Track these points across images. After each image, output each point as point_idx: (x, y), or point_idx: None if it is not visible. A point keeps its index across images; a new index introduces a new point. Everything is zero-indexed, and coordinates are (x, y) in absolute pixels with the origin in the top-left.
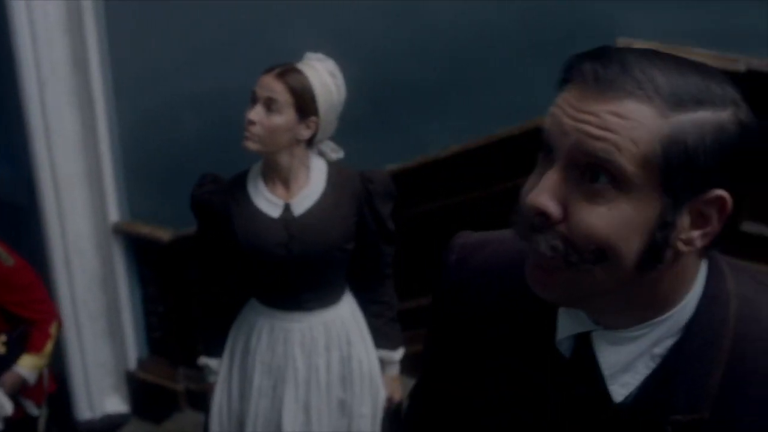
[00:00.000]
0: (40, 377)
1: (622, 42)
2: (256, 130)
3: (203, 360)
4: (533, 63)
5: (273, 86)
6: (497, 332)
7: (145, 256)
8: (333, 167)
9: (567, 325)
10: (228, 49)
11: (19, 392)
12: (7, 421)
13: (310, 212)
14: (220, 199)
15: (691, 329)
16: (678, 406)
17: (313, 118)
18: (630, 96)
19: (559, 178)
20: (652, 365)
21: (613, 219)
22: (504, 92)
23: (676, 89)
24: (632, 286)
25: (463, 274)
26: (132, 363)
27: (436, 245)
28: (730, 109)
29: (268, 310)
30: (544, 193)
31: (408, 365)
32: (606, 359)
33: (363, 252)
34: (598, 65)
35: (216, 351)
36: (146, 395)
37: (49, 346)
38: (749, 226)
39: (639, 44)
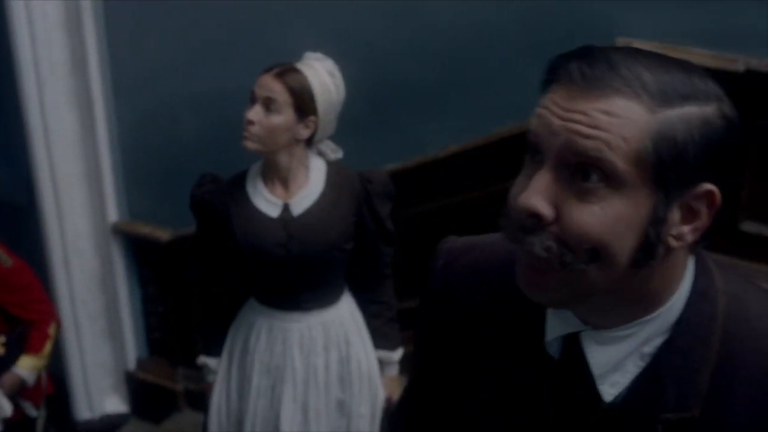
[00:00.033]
0: (39, 378)
1: (621, 42)
2: (255, 129)
3: (202, 359)
4: (532, 63)
5: (272, 86)
6: (486, 335)
7: (144, 256)
8: (332, 167)
9: (555, 326)
10: (227, 49)
11: (17, 393)
12: (6, 422)
13: (309, 212)
14: (219, 199)
15: (679, 327)
16: (668, 405)
17: (312, 118)
18: (618, 93)
19: (550, 178)
20: (642, 364)
21: (607, 217)
22: (503, 92)
23: (662, 85)
24: (624, 285)
25: (449, 279)
26: (131, 363)
27: (435, 245)
28: (714, 103)
29: (267, 310)
30: (535, 194)
31: (407, 365)
32: (595, 359)
33: (362, 252)
34: (585, 64)
35: (215, 350)
36: (145, 395)
37: (48, 347)
38: (749, 226)
39: (638, 44)
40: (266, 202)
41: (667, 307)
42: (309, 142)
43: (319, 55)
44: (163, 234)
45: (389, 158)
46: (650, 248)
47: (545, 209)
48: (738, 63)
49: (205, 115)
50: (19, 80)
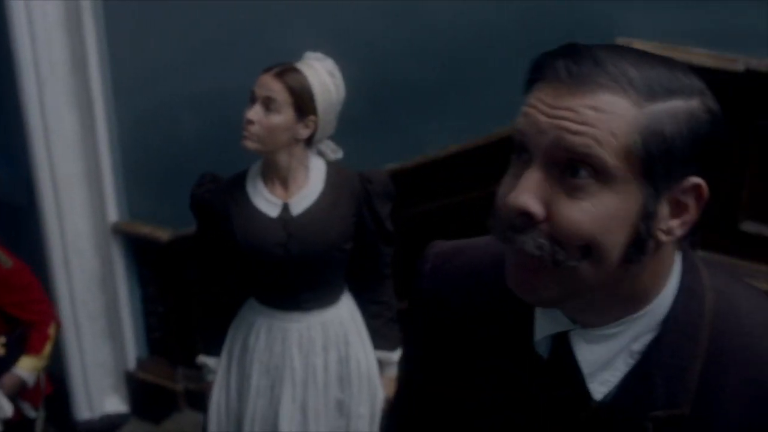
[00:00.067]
0: (38, 379)
1: (621, 42)
2: (254, 129)
3: (202, 359)
4: None
5: (272, 86)
6: (476, 336)
7: (144, 256)
8: (332, 167)
9: (544, 325)
10: (227, 49)
11: (17, 394)
12: (5, 423)
13: (309, 212)
14: (219, 199)
15: (668, 324)
16: (658, 402)
17: (311, 118)
18: (605, 89)
19: (539, 176)
20: (631, 362)
21: (597, 213)
22: (503, 92)
23: (648, 81)
24: (615, 281)
25: (438, 282)
26: (131, 363)
27: None
28: (698, 97)
29: (267, 310)
30: (525, 192)
31: None
32: (584, 358)
33: (362, 252)
34: (571, 62)
35: (215, 350)
36: (145, 395)
37: (48, 348)
38: (748, 226)
39: (638, 44)
40: (266, 201)
41: (655, 304)
42: (309, 142)
43: (319, 54)
44: (163, 234)
45: (389, 158)
46: (641, 243)
47: (535, 207)
48: (738, 63)
49: (205, 115)
50: (19, 80)
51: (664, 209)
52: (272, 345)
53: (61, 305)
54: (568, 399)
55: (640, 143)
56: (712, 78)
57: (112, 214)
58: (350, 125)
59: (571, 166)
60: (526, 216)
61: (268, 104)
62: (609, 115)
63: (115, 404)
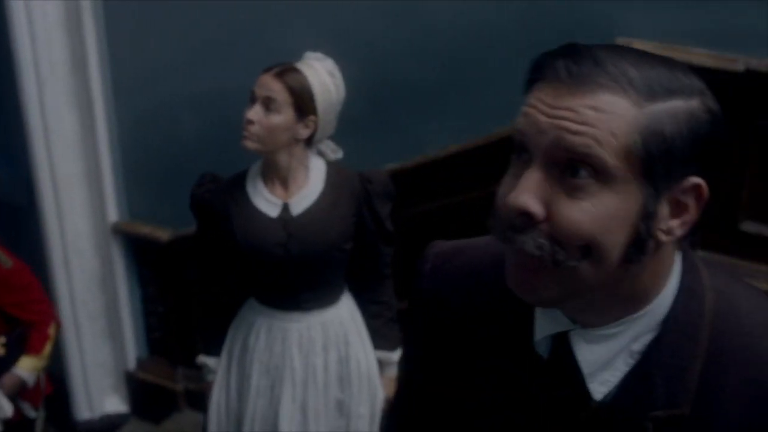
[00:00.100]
0: (37, 379)
1: (621, 42)
2: (254, 129)
3: (202, 359)
4: None
5: (271, 86)
6: (476, 337)
7: (144, 256)
8: (332, 167)
9: (544, 325)
10: (227, 49)
11: (17, 394)
12: (5, 423)
13: (309, 212)
14: (219, 199)
15: (668, 324)
16: (658, 402)
17: (311, 118)
18: (605, 89)
19: (539, 176)
20: (631, 362)
21: (598, 213)
22: (503, 92)
23: (648, 81)
24: (615, 281)
25: (438, 282)
26: (131, 363)
27: None
28: (698, 97)
29: (267, 310)
30: (525, 192)
31: None
32: (584, 358)
33: (362, 252)
34: (571, 62)
35: (215, 350)
36: (145, 395)
37: (48, 348)
38: (749, 226)
39: (638, 44)
40: (266, 201)
41: (656, 304)
42: (309, 142)
43: (319, 54)
44: (163, 234)
45: (389, 158)
46: (641, 243)
47: (536, 207)
48: (738, 63)
49: (205, 115)
50: (19, 80)
51: (664, 209)
52: (272, 345)
53: (61, 305)
54: (568, 399)
55: (640, 143)
56: (712, 78)
57: (112, 214)
58: (350, 125)
59: (571, 166)
60: (526, 216)
61: (268, 104)
62: (609, 115)
63: (115, 404)
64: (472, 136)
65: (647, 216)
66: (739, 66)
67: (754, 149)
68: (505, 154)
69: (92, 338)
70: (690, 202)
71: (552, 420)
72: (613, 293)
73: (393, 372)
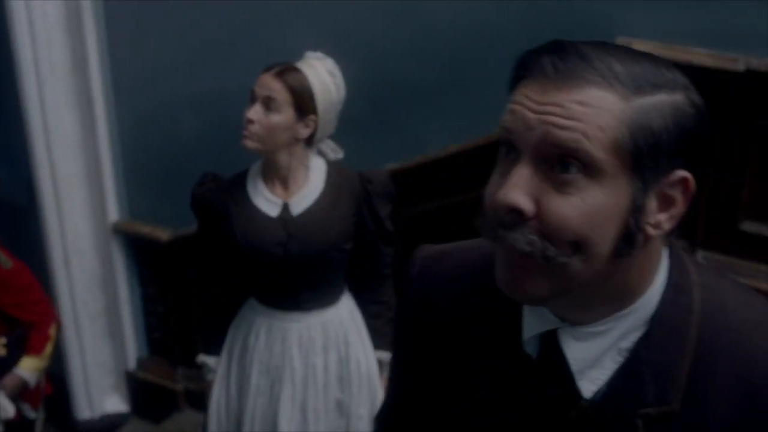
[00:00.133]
0: (37, 380)
1: (621, 41)
2: (254, 128)
3: (202, 358)
4: None
5: (272, 85)
6: (465, 339)
7: (144, 256)
8: (332, 167)
9: (532, 324)
10: (227, 49)
11: (18, 395)
12: (5, 424)
13: (309, 212)
14: (219, 198)
15: (656, 320)
16: (647, 399)
17: (311, 117)
18: (592, 84)
19: (528, 173)
20: (620, 359)
21: (587, 208)
22: (503, 92)
23: (634, 75)
24: (605, 277)
25: (426, 286)
26: (131, 363)
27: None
28: (682, 92)
29: (267, 310)
30: (514, 189)
31: None
32: (573, 355)
33: (362, 252)
34: (557, 58)
35: (215, 349)
36: (146, 395)
37: (49, 348)
38: (749, 226)
39: (638, 44)
40: (266, 201)
41: (643, 300)
42: (309, 142)
43: (319, 54)
44: (163, 234)
45: (389, 158)
46: (631, 237)
47: (525, 203)
48: (738, 63)
49: (206, 114)
50: (19, 80)
51: (652, 203)
52: (272, 345)
53: (62, 304)
54: (557, 398)
55: (628, 137)
56: (713, 78)
57: (113, 214)
58: (350, 125)
59: (560, 162)
60: (516, 213)
61: (268, 104)
62: (596, 109)
63: (115, 404)
64: (472, 136)
65: (636, 210)
66: (740, 66)
67: (755, 149)
68: None
69: (92, 338)
70: (677, 195)
71: (542, 419)
72: (601, 290)
73: None
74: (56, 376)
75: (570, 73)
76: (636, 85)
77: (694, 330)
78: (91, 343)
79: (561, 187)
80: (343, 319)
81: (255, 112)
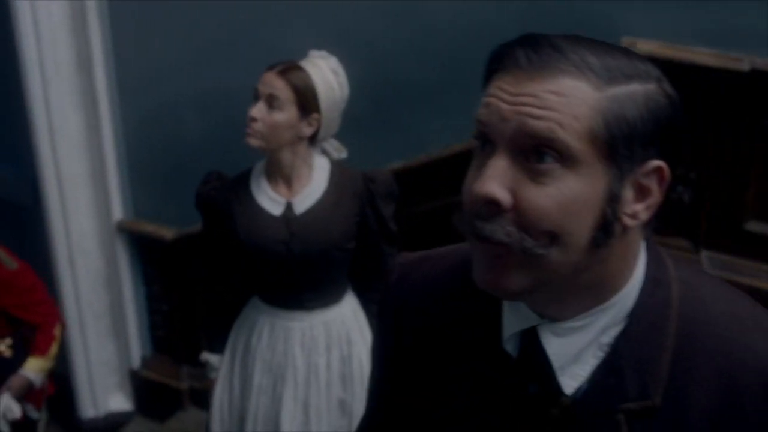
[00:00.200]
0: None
1: (626, 41)
2: (258, 126)
3: (205, 356)
4: None
5: (275, 83)
6: (446, 343)
7: (149, 255)
8: (336, 166)
9: (512, 322)
10: (231, 49)
11: (23, 396)
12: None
13: (312, 211)
14: (223, 197)
15: (635, 315)
16: (629, 394)
17: (315, 116)
18: (565, 74)
19: (504, 164)
20: (601, 355)
21: (563, 197)
22: None
23: (607, 66)
24: (585, 269)
25: (405, 292)
26: (136, 361)
27: (438, 244)
28: (655, 82)
29: (270, 309)
30: (490, 180)
31: None
32: (554, 351)
33: (365, 252)
34: (530, 49)
35: (218, 347)
36: (150, 393)
37: (54, 349)
38: (753, 226)
39: (641, 44)
40: (269, 200)
41: (622, 294)
42: (312, 141)
43: (323, 53)
44: (168, 232)
45: (392, 157)
46: (608, 227)
47: (502, 194)
48: (743, 62)
49: (210, 114)
50: (24, 80)
51: (628, 193)
52: (275, 344)
53: (66, 304)
54: (539, 396)
55: (603, 126)
56: (717, 78)
57: (117, 213)
58: (352, 124)
59: (535, 152)
60: (493, 204)
61: (272, 102)
62: (571, 99)
63: (119, 402)
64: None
65: (612, 198)
66: (744, 65)
67: (759, 149)
68: None
69: (97, 336)
70: (653, 185)
71: (524, 419)
72: (580, 282)
73: None
74: (60, 374)
75: (543, 64)
76: (609, 75)
77: (673, 324)
78: (96, 341)
79: (537, 177)
80: (345, 318)
81: (258, 110)
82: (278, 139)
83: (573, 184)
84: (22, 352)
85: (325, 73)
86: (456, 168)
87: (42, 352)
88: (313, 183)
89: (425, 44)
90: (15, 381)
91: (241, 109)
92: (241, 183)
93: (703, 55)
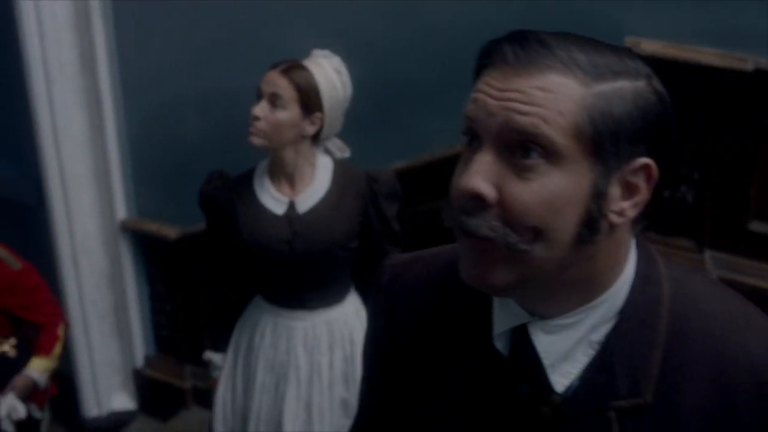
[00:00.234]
0: None
1: (629, 41)
2: (260, 125)
3: (208, 354)
4: None
5: (277, 82)
6: (437, 343)
7: (152, 254)
8: (339, 166)
9: (502, 319)
10: (233, 49)
11: (28, 396)
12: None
13: (314, 210)
14: (225, 196)
15: (626, 312)
16: (620, 392)
17: (318, 114)
18: (552, 70)
19: (490, 159)
20: (591, 352)
21: (548, 193)
22: None
23: (595, 62)
24: (570, 264)
25: (396, 294)
26: (139, 361)
27: (441, 244)
28: (644, 79)
29: (273, 308)
30: (476, 175)
31: None
32: (544, 348)
33: (368, 251)
34: (517, 45)
35: (222, 346)
36: (153, 393)
37: (58, 348)
38: (757, 226)
39: (645, 44)
40: (272, 199)
41: (612, 291)
42: (316, 140)
43: (326, 52)
44: (171, 232)
45: (394, 156)
46: (593, 223)
47: (487, 189)
48: (747, 62)
49: (213, 113)
50: (28, 80)
51: (615, 190)
52: (277, 343)
53: (70, 303)
54: (530, 395)
55: (588, 122)
56: (721, 77)
57: (121, 212)
58: (354, 124)
59: (521, 147)
60: (478, 199)
61: (274, 100)
62: (557, 95)
63: (122, 401)
64: None
65: (598, 195)
66: (748, 65)
67: (763, 149)
68: None
69: (100, 336)
70: (641, 183)
71: (515, 418)
72: (568, 279)
73: None
74: (64, 373)
75: (531, 59)
76: (597, 71)
77: (663, 322)
78: (99, 341)
79: (522, 173)
80: (348, 318)
81: (261, 108)
82: (281, 138)
83: (557, 180)
84: (25, 352)
85: (328, 72)
86: None
87: (46, 352)
88: (316, 182)
89: (426, 44)
90: (19, 381)
91: (244, 108)
92: (244, 182)
93: (707, 55)
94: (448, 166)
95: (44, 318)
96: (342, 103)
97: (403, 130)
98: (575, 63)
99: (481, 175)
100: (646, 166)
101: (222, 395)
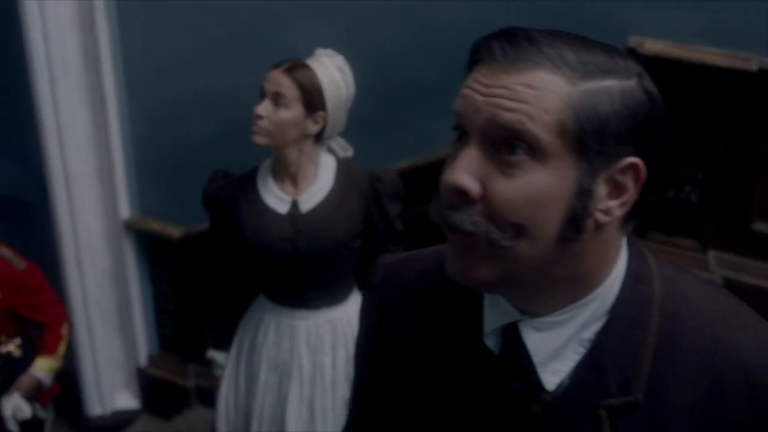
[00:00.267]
0: None
1: (634, 41)
2: (263, 124)
3: (211, 353)
4: None
5: (281, 81)
6: (428, 343)
7: (156, 253)
8: (342, 165)
9: (493, 318)
10: (237, 48)
11: (32, 395)
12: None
13: (317, 209)
14: (229, 195)
15: (616, 310)
16: (611, 390)
17: (321, 113)
18: (539, 67)
19: (476, 155)
20: (582, 350)
21: (531, 190)
22: None
23: (583, 61)
24: (556, 262)
25: (388, 294)
26: (143, 360)
27: (442, 243)
28: (635, 78)
29: (276, 307)
30: (460, 170)
31: None
32: (535, 346)
33: (371, 251)
34: (506, 43)
35: (225, 345)
36: (157, 392)
37: (62, 348)
38: (760, 226)
39: (649, 44)
40: (275, 198)
41: (602, 290)
42: (319, 139)
43: (329, 51)
44: (175, 231)
45: (397, 156)
46: (577, 221)
47: (471, 184)
48: (751, 62)
49: (217, 112)
50: (32, 79)
51: (601, 189)
52: (280, 342)
53: (74, 302)
54: (520, 393)
55: (574, 119)
56: (725, 77)
57: (125, 211)
58: (357, 124)
59: (507, 144)
60: (462, 194)
61: (277, 99)
62: (542, 92)
63: (126, 400)
64: None
65: (583, 193)
66: (752, 65)
67: (766, 149)
68: None
69: (104, 335)
70: (628, 182)
71: (506, 417)
72: (554, 277)
73: None
74: (67, 372)
75: (518, 56)
76: (585, 69)
77: (654, 320)
78: (103, 340)
79: (507, 169)
80: (351, 317)
81: (264, 107)
82: (284, 137)
83: (541, 177)
84: (30, 351)
85: (331, 71)
86: None
87: (51, 351)
88: (319, 181)
89: (429, 43)
90: (24, 381)
91: (247, 107)
92: (248, 181)
93: (711, 55)
94: None
95: (48, 318)
96: (345, 102)
97: (406, 130)
98: (563, 60)
99: (465, 171)
100: (634, 166)
101: (225, 394)
